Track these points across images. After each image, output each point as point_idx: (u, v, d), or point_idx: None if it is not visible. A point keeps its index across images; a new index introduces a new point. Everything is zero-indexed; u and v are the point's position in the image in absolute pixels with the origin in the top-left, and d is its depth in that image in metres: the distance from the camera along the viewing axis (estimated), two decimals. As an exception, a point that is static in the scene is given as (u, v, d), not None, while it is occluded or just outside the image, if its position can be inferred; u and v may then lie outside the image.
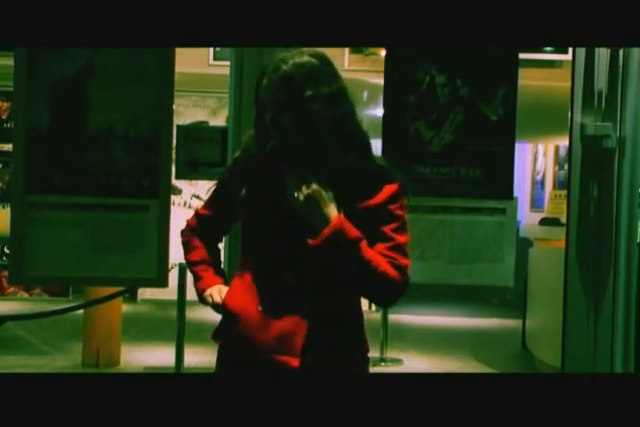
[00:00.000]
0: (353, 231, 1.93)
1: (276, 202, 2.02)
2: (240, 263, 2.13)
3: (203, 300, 2.11)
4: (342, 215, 1.94)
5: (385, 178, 2.03)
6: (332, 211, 1.94)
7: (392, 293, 2.00)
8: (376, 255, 1.96)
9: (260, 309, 2.01)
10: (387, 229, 2.00)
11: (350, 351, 2.06)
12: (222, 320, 2.12)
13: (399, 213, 2.03)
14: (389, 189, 2.02)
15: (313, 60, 1.99)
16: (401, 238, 2.02)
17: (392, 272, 1.97)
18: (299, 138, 1.98)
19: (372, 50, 7.42)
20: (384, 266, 1.96)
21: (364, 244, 1.94)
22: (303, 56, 1.99)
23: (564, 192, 3.68)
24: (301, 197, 1.94)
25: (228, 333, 2.08)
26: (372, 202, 2.00)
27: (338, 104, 2.00)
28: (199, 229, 2.20)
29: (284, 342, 1.98)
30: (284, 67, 1.97)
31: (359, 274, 1.96)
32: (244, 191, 2.07)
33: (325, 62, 2.02)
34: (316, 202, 1.94)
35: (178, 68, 2.96)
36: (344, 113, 2.02)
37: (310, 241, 1.93)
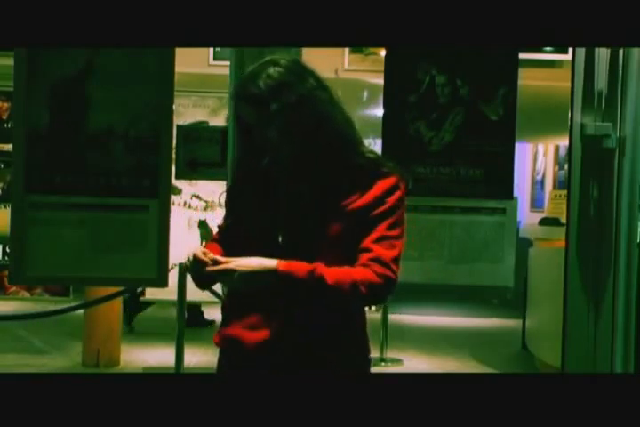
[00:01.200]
0: (300, 269, 1.90)
1: (272, 211, 2.03)
2: None
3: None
4: (278, 263, 1.91)
5: (379, 173, 2.00)
6: (267, 264, 1.91)
7: (376, 293, 1.96)
8: (341, 271, 1.93)
9: (256, 310, 2.02)
10: (377, 220, 1.97)
11: (349, 353, 2.06)
12: (221, 323, 2.13)
13: (393, 206, 1.98)
14: (385, 183, 1.98)
15: (277, 69, 1.94)
16: (389, 231, 1.97)
17: (369, 275, 1.93)
18: (286, 149, 1.98)
19: (372, 50, 7.41)
20: (357, 275, 1.92)
21: (318, 271, 1.91)
22: (267, 68, 1.95)
23: (564, 192, 3.68)
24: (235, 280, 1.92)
25: (225, 335, 2.09)
26: (368, 198, 1.97)
27: (312, 107, 1.95)
28: (219, 240, 2.19)
29: (277, 344, 1.99)
30: (247, 84, 1.94)
31: (334, 295, 1.93)
32: (243, 205, 2.09)
33: (291, 68, 1.96)
34: (247, 274, 1.90)
35: (178, 68, 2.96)
36: (320, 114, 1.96)
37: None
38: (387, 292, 1.97)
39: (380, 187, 1.98)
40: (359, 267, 1.95)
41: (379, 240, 1.96)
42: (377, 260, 1.94)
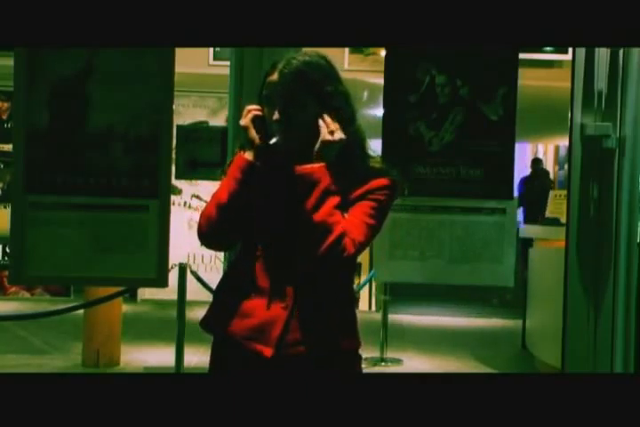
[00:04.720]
0: (329, 180, 1.96)
1: (273, 198, 2.05)
2: (238, 251, 2.16)
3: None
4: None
5: (377, 173, 2.05)
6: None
7: (333, 253, 1.94)
8: (338, 216, 1.95)
9: (246, 296, 2.04)
10: (360, 206, 2.01)
11: (336, 346, 2.06)
12: (209, 307, 2.15)
13: (380, 200, 2.03)
14: (378, 181, 2.04)
15: (323, 61, 2.04)
16: (368, 219, 2.00)
17: (341, 237, 1.93)
18: (304, 134, 2.00)
19: (372, 50, 7.43)
20: (338, 227, 1.94)
21: (335, 198, 1.95)
22: (313, 56, 2.03)
23: (564, 192, 3.68)
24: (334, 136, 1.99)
25: (212, 319, 2.12)
26: (359, 192, 2.02)
27: (350, 104, 2.08)
28: None
29: (261, 332, 2.01)
30: (298, 63, 2.00)
31: (315, 220, 1.94)
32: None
33: (332, 65, 2.07)
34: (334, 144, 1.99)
35: (178, 68, 2.96)
36: (352, 113, 2.08)
37: (297, 168, 1.96)
38: (344, 260, 1.96)
39: (373, 184, 2.03)
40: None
41: (356, 223, 1.99)
42: (349, 238, 1.95)
